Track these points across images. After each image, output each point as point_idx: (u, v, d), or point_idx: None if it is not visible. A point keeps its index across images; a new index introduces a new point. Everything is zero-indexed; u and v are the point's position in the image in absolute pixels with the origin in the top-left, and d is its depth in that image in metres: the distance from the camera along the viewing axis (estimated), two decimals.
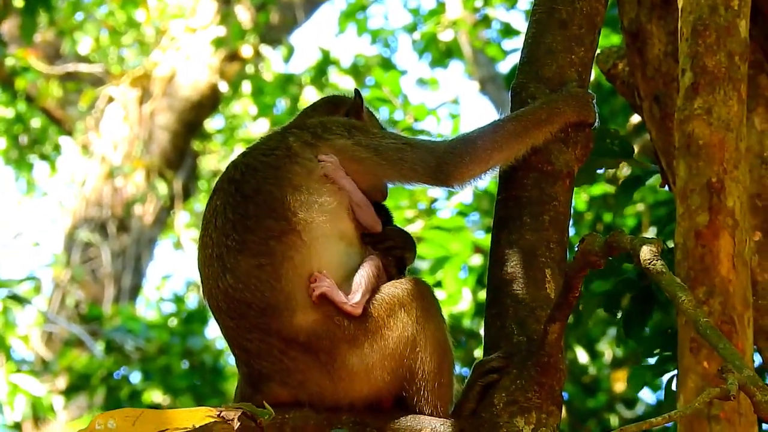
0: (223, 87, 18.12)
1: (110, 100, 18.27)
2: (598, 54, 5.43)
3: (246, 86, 18.65)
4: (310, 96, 17.83)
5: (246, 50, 18.24)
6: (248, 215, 4.16)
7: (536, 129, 4.34)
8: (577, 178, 4.48)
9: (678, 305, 3.34)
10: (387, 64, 18.21)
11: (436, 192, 10.95)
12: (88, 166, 17.97)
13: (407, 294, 4.14)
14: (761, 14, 5.17)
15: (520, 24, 15.02)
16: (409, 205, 11.33)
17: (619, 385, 11.08)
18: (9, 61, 17.60)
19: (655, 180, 5.67)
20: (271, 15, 18.69)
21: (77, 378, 14.33)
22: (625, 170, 8.73)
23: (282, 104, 18.70)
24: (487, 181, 4.45)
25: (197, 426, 3.36)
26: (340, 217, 4.22)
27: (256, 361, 4.13)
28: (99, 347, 15.02)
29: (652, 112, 5.39)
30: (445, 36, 16.08)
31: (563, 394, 4.09)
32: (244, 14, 18.39)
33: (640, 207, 9.89)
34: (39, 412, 13.16)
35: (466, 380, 4.12)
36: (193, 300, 18.16)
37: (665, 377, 5.59)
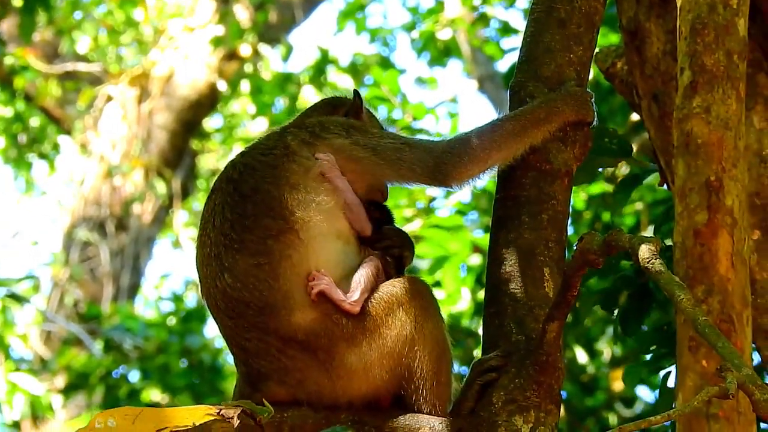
0: (222, 86, 18.12)
1: (109, 99, 18.27)
2: (596, 53, 5.43)
3: (244, 85, 18.65)
4: (308, 95, 17.84)
5: (244, 49, 18.24)
6: (246, 214, 4.16)
7: (535, 128, 4.34)
8: (575, 177, 4.48)
9: (677, 304, 3.34)
10: (386, 63, 18.21)
11: (435, 191, 10.94)
12: (86, 165, 17.96)
13: (406, 293, 4.14)
14: (760, 13, 5.17)
15: (519, 22, 15.02)
16: (408, 204, 11.33)
17: (618, 383, 11.07)
18: (8, 60, 17.60)
19: (653, 179, 5.67)
20: (270, 14, 18.69)
21: (76, 377, 14.33)
22: (624, 169, 8.74)
23: (280, 103, 18.70)
24: (486, 180, 4.45)
25: (197, 424, 3.36)
26: (337, 216, 4.22)
27: (254, 360, 4.13)
28: (97, 346, 15.02)
29: (651, 110, 5.39)
30: (444, 35, 16.08)
31: (562, 392, 4.09)
32: (242, 13, 18.39)
33: (639, 206, 9.89)
34: (38, 411, 13.16)
35: (464, 379, 4.12)
36: (192, 299, 18.17)
37: (661, 374, 5.59)
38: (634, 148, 5.55)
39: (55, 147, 19.37)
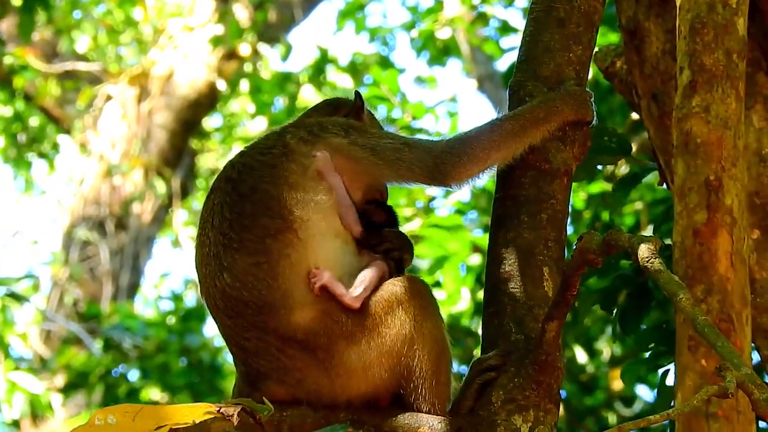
0: (221, 85, 18.12)
1: (108, 98, 18.27)
2: (596, 52, 5.43)
3: (244, 85, 18.64)
4: (307, 94, 17.83)
5: (244, 49, 18.24)
6: (245, 214, 4.16)
7: (534, 128, 4.34)
8: (575, 174, 4.48)
9: (676, 303, 3.34)
10: (385, 63, 18.20)
11: (434, 190, 10.94)
12: (86, 164, 17.97)
13: (405, 292, 4.14)
14: (759, 12, 5.17)
15: (518, 21, 15.02)
16: (407, 203, 11.33)
17: (617, 383, 11.08)
18: (7, 60, 17.61)
19: (653, 178, 5.67)
20: (269, 13, 18.69)
21: (75, 376, 14.34)
22: (623, 169, 8.75)
23: (280, 102, 18.70)
24: (485, 179, 4.45)
25: (197, 422, 3.35)
26: (335, 215, 4.23)
27: (253, 360, 4.13)
28: (97, 345, 15.03)
29: (650, 110, 5.39)
30: (443, 34, 16.07)
31: (561, 392, 4.09)
32: (242, 13, 18.39)
33: (639, 205, 9.89)
34: (37, 410, 13.18)
35: (463, 378, 4.12)
36: (191, 298, 18.17)
37: (660, 372, 5.59)
38: (634, 147, 5.55)
39: (55, 146, 19.37)
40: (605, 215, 9.85)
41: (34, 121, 19.10)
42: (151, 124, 17.88)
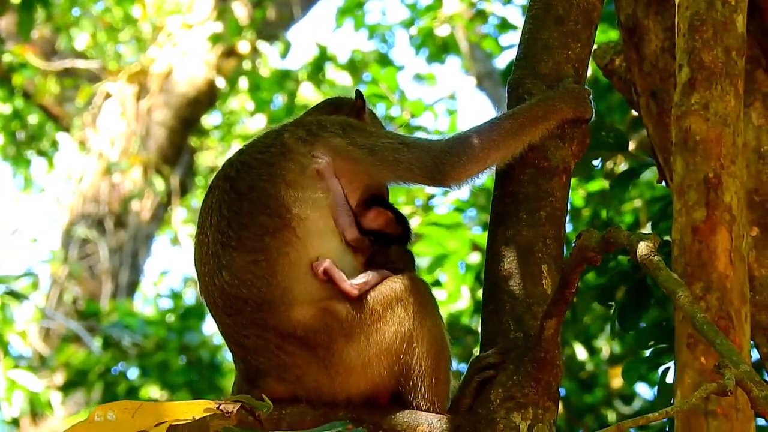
0: (220, 83, 18.11)
1: (107, 96, 18.26)
2: (594, 50, 5.43)
3: (243, 82, 18.63)
4: (306, 92, 17.82)
5: (243, 46, 18.23)
6: (243, 212, 4.16)
7: (533, 127, 4.34)
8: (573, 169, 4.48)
9: (675, 301, 3.34)
10: (384, 60, 18.20)
11: (433, 188, 10.94)
12: (85, 162, 17.96)
13: (404, 289, 4.14)
14: (758, 9, 5.17)
15: (517, 19, 15.03)
16: (406, 201, 11.34)
17: (617, 381, 11.08)
18: (6, 58, 17.60)
19: (652, 176, 5.68)
20: (268, 11, 18.68)
21: (75, 374, 14.34)
22: (622, 166, 8.74)
23: (279, 100, 18.68)
24: (485, 178, 4.45)
25: (196, 418, 3.35)
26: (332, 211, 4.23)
27: (253, 357, 4.13)
28: (96, 343, 15.03)
29: (649, 107, 5.39)
30: (442, 31, 16.08)
31: (560, 389, 4.09)
32: (240, 10, 18.38)
33: (638, 203, 9.89)
34: (37, 408, 13.18)
35: (462, 376, 4.12)
36: (191, 296, 18.17)
37: (659, 370, 5.59)
38: (633, 145, 5.56)
39: (54, 144, 19.36)
40: (604, 213, 9.85)
41: (33, 118, 19.08)
42: (150, 121, 17.87)
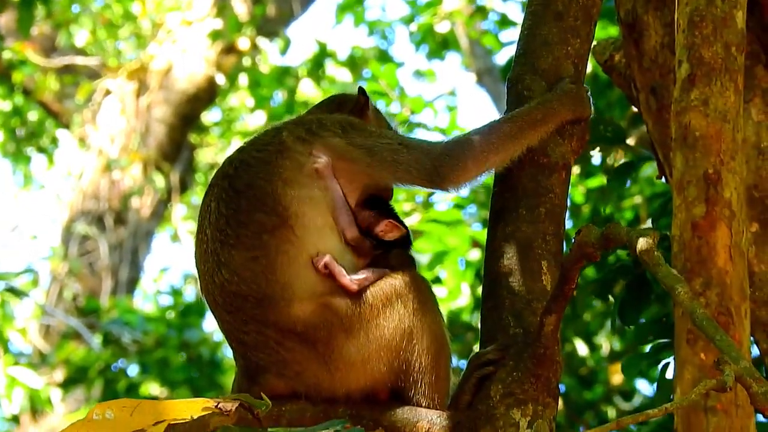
0: (220, 80, 18.10)
1: (107, 93, 18.25)
2: (594, 45, 5.42)
3: (243, 79, 18.63)
4: (306, 88, 17.82)
5: (243, 43, 18.22)
6: (240, 210, 4.16)
7: (532, 130, 4.35)
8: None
9: (675, 297, 3.34)
10: (384, 56, 18.20)
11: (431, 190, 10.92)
12: (85, 158, 17.95)
13: (404, 286, 4.14)
14: (758, 5, 5.17)
15: (517, 15, 15.02)
16: (407, 198, 11.33)
17: (617, 377, 11.08)
18: (6, 54, 17.60)
19: (652, 172, 5.68)
20: (268, 7, 18.67)
21: (75, 371, 14.33)
22: (622, 161, 8.73)
23: (279, 97, 18.68)
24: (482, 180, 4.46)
25: (195, 417, 3.35)
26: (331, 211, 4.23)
27: (252, 353, 4.14)
28: (96, 340, 15.03)
29: (649, 103, 5.39)
30: (442, 27, 16.07)
31: (560, 386, 4.09)
32: (240, 7, 18.37)
33: (638, 199, 9.88)
34: (37, 405, 13.19)
35: (462, 373, 4.12)
36: (191, 293, 18.18)
37: (660, 366, 5.59)
38: (633, 141, 5.55)
39: (54, 141, 19.36)
40: (604, 209, 9.85)
41: (33, 115, 19.08)
42: (150, 118, 17.86)
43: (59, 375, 14.82)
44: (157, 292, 19.00)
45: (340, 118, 4.42)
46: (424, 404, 4.10)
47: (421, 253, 10.41)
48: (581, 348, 10.84)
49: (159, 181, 17.77)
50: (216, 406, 3.47)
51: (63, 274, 17.04)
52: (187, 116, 18.15)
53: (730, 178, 3.90)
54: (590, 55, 4.68)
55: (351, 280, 4.12)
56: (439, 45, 16.88)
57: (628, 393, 11.12)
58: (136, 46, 19.22)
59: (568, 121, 4.41)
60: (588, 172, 9.61)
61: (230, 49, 18.22)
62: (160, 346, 14.41)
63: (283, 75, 18.40)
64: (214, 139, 20.16)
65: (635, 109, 5.96)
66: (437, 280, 10.53)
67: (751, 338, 4.68)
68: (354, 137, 4.30)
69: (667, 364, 5.50)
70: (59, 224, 17.95)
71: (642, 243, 3.45)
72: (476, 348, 4.26)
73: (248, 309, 4.10)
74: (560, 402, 4.21)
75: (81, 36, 18.77)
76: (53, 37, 18.82)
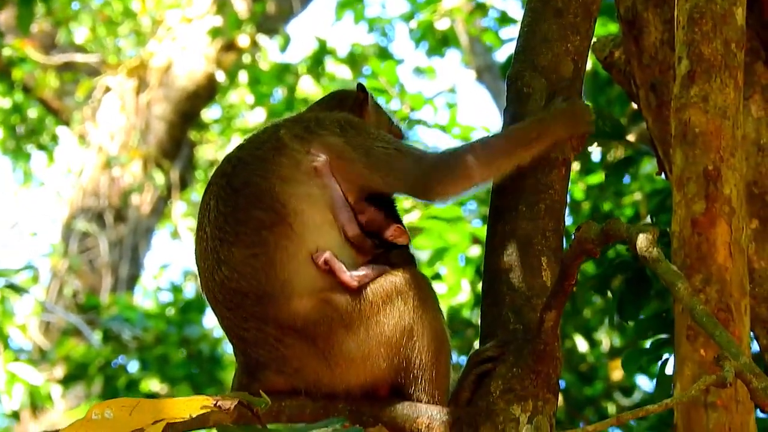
0: (220, 77, 18.09)
1: (107, 90, 18.25)
2: (594, 42, 5.42)
3: (243, 76, 18.62)
4: (306, 85, 17.82)
5: (242, 40, 18.21)
6: (238, 208, 4.16)
7: (525, 149, 4.32)
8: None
9: (674, 293, 3.35)
10: (384, 53, 18.19)
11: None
12: (85, 156, 17.96)
13: (405, 283, 4.14)
14: (757, 2, 5.17)
15: (517, 12, 15.01)
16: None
17: (617, 373, 11.09)
18: (6, 52, 17.59)
19: (651, 168, 5.68)
20: (268, 4, 18.67)
21: (75, 367, 14.33)
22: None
23: (279, 94, 18.67)
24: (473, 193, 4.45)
25: (194, 415, 3.35)
26: (330, 209, 4.22)
27: (252, 350, 4.14)
28: (96, 336, 15.03)
29: (649, 100, 5.39)
30: (442, 24, 16.06)
31: (560, 382, 4.10)
32: (240, 4, 18.36)
33: (638, 196, 9.88)
34: (37, 401, 13.18)
35: (462, 369, 4.13)
36: (191, 289, 18.17)
37: (660, 362, 5.59)
38: (633, 137, 5.56)
39: (54, 138, 19.35)
40: (604, 206, 9.85)
41: (33, 112, 19.08)
42: (150, 115, 17.86)
43: (59, 371, 14.83)
44: (157, 288, 19.00)
45: (338, 117, 4.41)
46: (424, 400, 4.11)
47: (422, 249, 10.41)
48: (581, 344, 10.85)
49: (159, 178, 17.78)
50: (215, 404, 3.48)
51: (63, 271, 17.04)
52: (187, 113, 18.15)
53: (729, 174, 3.90)
54: (590, 51, 4.67)
55: (351, 276, 4.12)
56: (439, 42, 16.85)
57: (628, 389, 11.13)
58: (135, 43, 19.22)
59: (563, 139, 4.41)
60: (588, 168, 9.61)
61: (230, 46, 18.22)
62: (160, 342, 14.42)
63: (283, 72, 18.39)
64: (213, 136, 20.15)
65: (635, 106, 5.96)
66: (437, 276, 10.53)
67: (751, 334, 4.68)
68: (352, 137, 4.30)
69: (667, 360, 5.51)
70: (59, 221, 17.96)
71: (642, 239, 3.45)
72: (476, 344, 4.26)
73: (248, 306, 4.11)
74: (560, 398, 4.22)
75: (81, 33, 18.77)
76: (53, 34, 18.82)
